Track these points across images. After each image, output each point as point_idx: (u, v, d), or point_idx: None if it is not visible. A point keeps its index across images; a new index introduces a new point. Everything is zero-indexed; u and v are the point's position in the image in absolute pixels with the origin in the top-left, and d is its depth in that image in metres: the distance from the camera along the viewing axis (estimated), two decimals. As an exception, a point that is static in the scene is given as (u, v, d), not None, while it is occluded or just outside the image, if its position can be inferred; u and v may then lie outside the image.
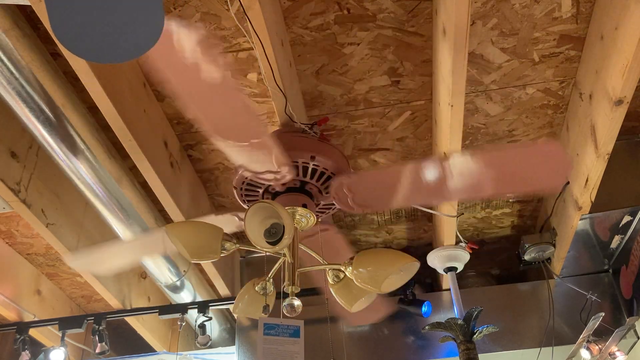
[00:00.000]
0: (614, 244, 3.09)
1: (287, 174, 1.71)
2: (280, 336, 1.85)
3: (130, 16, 0.95)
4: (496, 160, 1.61)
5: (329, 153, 1.83)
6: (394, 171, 1.74)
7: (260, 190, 1.84)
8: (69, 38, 0.95)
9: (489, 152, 1.62)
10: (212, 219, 1.77)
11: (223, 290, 3.25)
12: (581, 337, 2.86)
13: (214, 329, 3.75)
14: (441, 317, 3.13)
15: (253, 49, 2.04)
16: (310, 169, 1.79)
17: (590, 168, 2.46)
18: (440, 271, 3.17)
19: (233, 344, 3.56)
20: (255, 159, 1.61)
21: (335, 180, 1.77)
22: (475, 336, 2.70)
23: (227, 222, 1.81)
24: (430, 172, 1.65)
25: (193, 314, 3.30)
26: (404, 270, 1.63)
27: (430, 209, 3.00)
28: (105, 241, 3.09)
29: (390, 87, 2.45)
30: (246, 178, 1.79)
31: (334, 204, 1.89)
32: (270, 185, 1.79)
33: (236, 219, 1.80)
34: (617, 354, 2.84)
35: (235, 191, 1.89)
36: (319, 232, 1.85)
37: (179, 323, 3.28)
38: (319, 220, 1.87)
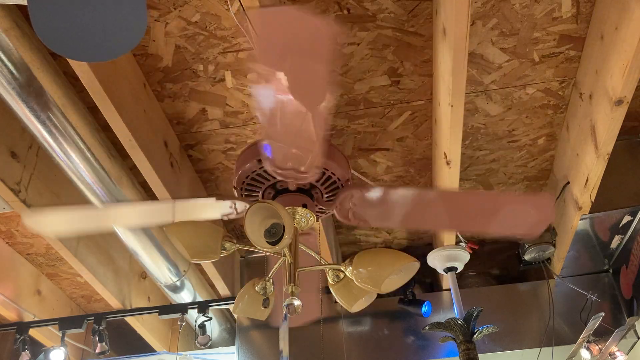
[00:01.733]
0: (614, 244, 3.09)
1: (310, 177, 1.72)
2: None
3: (113, 15, 0.95)
4: (487, 199, 1.78)
5: (332, 156, 1.83)
6: (402, 193, 1.78)
7: (261, 191, 1.84)
8: (52, 37, 0.95)
9: (482, 193, 1.87)
10: (211, 202, 1.75)
11: (223, 290, 3.26)
12: (581, 337, 2.86)
13: (214, 329, 3.75)
14: (441, 317, 3.13)
15: (253, 49, 2.04)
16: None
17: (590, 168, 2.46)
18: (440, 271, 3.17)
19: (233, 344, 3.56)
20: (286, 152, 1.60)
21: (345, 191, 1.79)
22: (475, 336, 2.70)
23: (223, 208, 1.79)
24: (435, 202, 1.77)
25: (193, 314, 3.30)
26: (404, 270, 1.63)
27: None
28: (105, 241, 3.10)
29: (390, 87, 2.45)
30: (252, 172, 1.78)
31: (334, 197, 1.88)
32: (278, 183, 1.79)
33: (230, 206, 1.78)
34: (617, 354, 2.84)
35: (235, 191, 1.89)
36: (350, 200, 1.86)
37: (179, 323, 3.28)
38: (319, 218, 1.87)
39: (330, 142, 1.96)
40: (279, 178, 1.69)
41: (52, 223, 1.86)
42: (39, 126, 2.08)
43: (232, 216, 1.75)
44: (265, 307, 1.67)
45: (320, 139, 1.50)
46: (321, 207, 1.83)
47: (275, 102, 1.34)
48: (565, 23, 2.22)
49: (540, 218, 1.75)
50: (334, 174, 1.78)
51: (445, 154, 2.41)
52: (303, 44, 1.23)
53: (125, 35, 0.97)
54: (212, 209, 1.72)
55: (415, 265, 1.62)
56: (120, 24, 0.95)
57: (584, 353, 2.90)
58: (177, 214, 1.69)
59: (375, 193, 1.79)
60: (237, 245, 1.68)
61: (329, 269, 1.77)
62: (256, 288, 1.75)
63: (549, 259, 3.22)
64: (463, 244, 3.03)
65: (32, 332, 3.28)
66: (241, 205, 1.74)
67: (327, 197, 1.85)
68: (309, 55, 1.25)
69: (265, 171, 1.77)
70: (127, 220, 1.89)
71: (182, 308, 3.25)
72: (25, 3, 1.58)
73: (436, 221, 1.84)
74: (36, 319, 3.30)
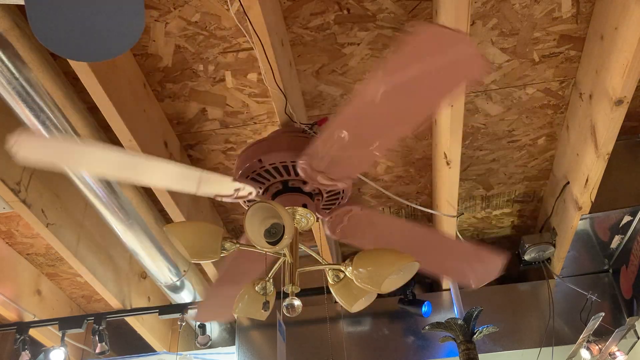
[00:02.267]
0: (614, 244, 3.09)
1: (339, 186, 1.74)
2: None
3: (111, 15, 0.95)
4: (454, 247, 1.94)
5: None
6: (397, 225, 1.88)
7: (261, 191, 1.84)
8: (49, 36, 0.95)
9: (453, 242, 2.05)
10: (227, 180, 1.74)
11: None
12: (581, 337, 2.86)
13: (214, 329, 3.75)
14: (441, 317, 3.13)
15: (253, 49, 2.04)
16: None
17: (590, 168, 2.46)
18: (440, 271, 3.17)
19: (233, 344, 3.56)
20: (332, 156, 1.59)
21: (344, 207, 1.79)
22: (475, 336, 2.70)
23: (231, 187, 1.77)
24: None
25: (193, 314, 3.30)
26: (404, 270, 1.63)
27: (430, 209, 3.01)
28: (105, 240, 3.10)
29: (390, 87, 2.44)
30: (252, 172, 1.78)
31: (337, 198, 1.88)
32: (278, 183, 1.80)
33: (237, 188, 1.75)
34: (617, 354, 2.84)
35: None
36: (346, 216, 1.86)
37: (179, 323, 3.28)
38: (318, 218, 1.87)
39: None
40: (303, 176, 1.69)
41: (67, 155, 1.50)
42: (39, 126, 2.08)
43: (229, 199, 1.74)
44: (265, 311, 1.67)
45: (370, 159, 1.52)
46: (317, 213, 1.84)
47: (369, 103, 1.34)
48: (565, 23, 2.22)
49: (485, 274, 1.96)
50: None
51: (445, 154, 2.41)
52: (444, 68, 1.23)
53: (124, 34, 0.97)
54: (227, 186, 1.70)
55: (415, 265, 1.62)
56: (119, 24, 0.95)
57: (584, 353, 2.90)
58: (202, 183, 1.65)
59: (372, 217, 1.81)
60: (237, 245, 1.68)
61: (329, 269, 1.77)
62: (256, 288, 1.75)
63: (549, 259, 3.22)
64: (463, 244, 3.02)
65: (32, 332, 3.28)
66: (245, 192, 1.73)
67: (325, 205, 1.86)
68: (436, 83, 1.25)
69: (266, 171, 1.78)
70: (153, 176, 1.68)
71: (182, 308, 3.25)
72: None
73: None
74: (36, 319, 3.30)
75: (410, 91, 1.29)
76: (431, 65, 1.21)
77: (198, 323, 3.23)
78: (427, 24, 1.22)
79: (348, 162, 1.64)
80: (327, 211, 1.85)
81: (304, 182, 1.75)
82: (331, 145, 1.52)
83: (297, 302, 1.57)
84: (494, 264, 1.93)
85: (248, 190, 1.74)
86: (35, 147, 1.40)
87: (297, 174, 1.77)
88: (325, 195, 1.82)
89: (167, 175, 1.65)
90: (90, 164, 1.57)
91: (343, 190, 1.82)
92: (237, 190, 1.72)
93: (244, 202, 1.90)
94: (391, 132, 1.45)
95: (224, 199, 1.75)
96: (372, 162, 1.43)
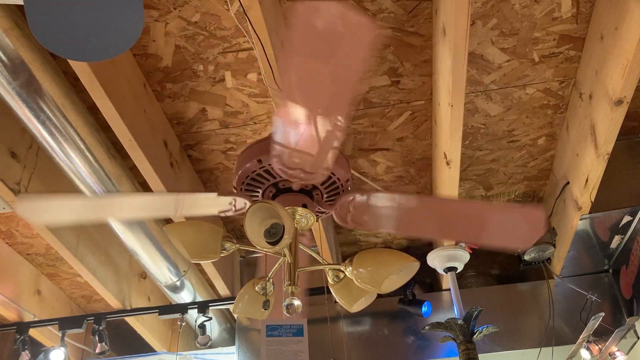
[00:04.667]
0: (614, 244, 3.09)
1: (317, 179, 1.72)
2: (284, 336, 1.85)
3: (110, 14, 0.95)
4: (481, 209, 1.77)
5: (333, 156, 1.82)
6: (404, 200, 1.77)
7: (261, 191, 1.84)
8: (48, 36, 0.95)
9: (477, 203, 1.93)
10: (212, 197, 1.75)
11: (223, 290, 3.25)
12: (581, 337, 2.86)
13: (214, 329, 3.75)
14: (441, 317, 3.13)
15: (253, 49, 2.04)
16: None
17: (590, 168, 2.46)
18: (440, 271, 3.17)
19: (233, 344, 3.56)
20: (296, 151, 1.58)
21: (346, 196, 1.78)
22: (475, 336, 2.70)
23: (222, 204, 1.78)
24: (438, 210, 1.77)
25: (193, 314, 3.30)
26: (404, 270, 1.63)
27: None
28: (105, 241, 3.10)
29: (390, 87, 2.45)
30: (252, 172, 1.78)
31: (336, 197, 1.88)
32: (279, 183, 1.79)
33: (230, 202, 1.76)
34: (617, 354, 2.83)
35: (235, 191, 1.89)
36: (350, 204, 1.85)
37: (179, 323, 3.28)
38: (319, 218, 1.87)
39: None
40: (284, 176, 1.69)
41: (46, 211, 1.72)
42: (39, 126, 2.08)
43: (229, 214, 1.74)
44: (265, 310, 1.67)
45: (335, 142, 1.50)
46: (321, 208, 1.84)
47: (297, 98, 1.33)
48: (565, 23, 2.22)
49: (531, 231, 1.73)
50: (333, 174, 1.78)
51: (445, 154, 2.41)
52: (342, 42, 1.21)
53: (123, 34, 0.97)
54: (212, 204, 1.71)
55: (415, 265, 1.62)
56: (117, 23, 0.95)
57: (584, 353, 2.90)
58: (179, 207, 1.67)
59: (374, 198, 1.79)
60: (237, 245, 1.68)
61: (329, 269, 1.77)
62: (256, 288, 1.75)
63: (549, 259, 3.22)
64: (463, 244, 3.03)
65: (32, 332, 3.28)
66: (240, 203, 1.74)
67: (327, 198, 1.85)
68: (345, 54, 1.23)
69: (266, 171, 1.78)
70: (127, 212, 1.80)
71: (182, 308, 3.25)
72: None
73: (432, 229, 1.85)
74: (36, 319, 3.30)
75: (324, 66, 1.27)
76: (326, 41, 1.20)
77: (198, 323, 3.23)
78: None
79: (379, 222, 1.69)
80: (331, 205, 1.84)
81: (321, 194, 1.77)
82: (287, 140, 1.52)
83: (297, 302, 1.57)
84: (536, 218, 1.70)
85: (241, 201, 1.74)
86: (34, 210, 1.63)
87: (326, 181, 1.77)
88: (323, 190, 1.82)
89: (141, 207, 1.71)
90: (72, 214, 1.72)
91: (340, 182, 1.81)
92: (231, 203, 1.73)
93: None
94: (335, 100, 1.42)
95: (226, 214, 1.75)
96: (337, 139, 1.40)
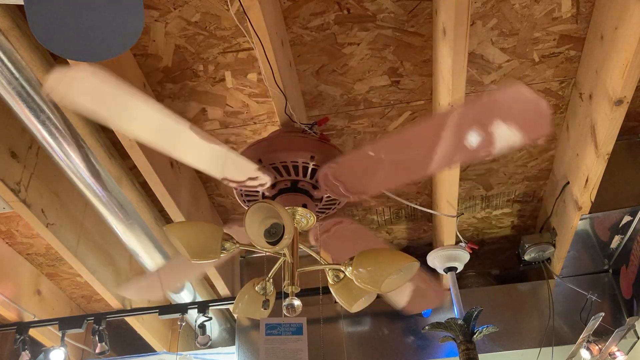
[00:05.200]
0: (614, 244, 3.09)
1: (267, 179, 1.72)
2: (283, 335, 1.85)
3: (110, 14, 0.95)
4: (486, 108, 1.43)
5: (329, 153, 1.83)
6: (377, 147, 1.60)
7: (261, 191, 1.84)
8: (48, 36, 0.95)
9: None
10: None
11: (223, 290, 3.25)
12: (581, 337, 2.86)
13: (214, 329, 3.75)
14: (441, 317, 3.13)
15: (253, 49, 2.04)
16: (310, 169, 1.80)
17: (590, 168, 2.46)
18: (440, 271, 3.17)
19: (233, 344, 3.56)
20: (234, 168, 1.58)
21: (320, 171, 1.76)
22: (475, 336, 2.70)
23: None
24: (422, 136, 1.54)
25: (193, 314, 3.30)
26: (404, 270, 1.63)
27: (430, 209, 3.00)
28: (105, 241, 3.10)
29: (390, 87, 2.45)
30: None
31: (334, 204, 1.89)
32: (279, 183, 1.80)
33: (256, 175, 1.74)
34: (617, 354, 2.83)
35: (235, 191, 1.89)
36: (334, 226, 1.85)
37: (179, 323, 3.28)
38: (321, 217, 1.87)
39: (330, 142, 1.97)
40: (322, 183, 1.70)
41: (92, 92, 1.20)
42: (39, 126, 2.08)
43: (235, 185, 1.72)
44: (265, 309, 1.67)
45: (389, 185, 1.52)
46: (324, 203, 1.84)
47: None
48: (565, 23, 2.22)
49: (534, 123, 1.38)
50: (318, 166, 1.78)
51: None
52: (513, 120, 1.22)
53: (123, 34, 0.97)
54: (251, 171, 1.70)
55: (415, 265, 1.62)
56: (117, 23, 0.95)
57: (584, 353, 2.90)
58: (226, 166, 1.61)
59: (352, 159, 1.74)
60: (237, 245, 1.68)
61: (329, 269, 1.77)
62: (256, 288, 1.75)
63: (549, 259, 3.22)
64: (463, 244, 3.02)
65: (32, 332, 3.28)
66: (261, 180, 1.73)
67: (321, 207, 1.86)
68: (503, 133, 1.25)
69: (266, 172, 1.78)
70: (187, 151, 1.54)
71: (182, 308, 3.25)
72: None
73: (430, 161, 1.56)
74: (36, 319, 3.30)
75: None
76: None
77: (198, 323, 3.23)
78: (514, 84, 1.19)
79: (370, 179, 1.66)
80: (319, 217, 1.85)
81: (314, 187, 1.76)
82: (361, 162, 1.53)
83: (297, 302, 1.57)
84: (540, 109, 1.36)
85: (264, 179, 1.73)
86: (75, 85, 1.18)
87: (297, 174, 1.77)
88: (323, 201, 1.82)
89: (200, 153, 1.54)
90: (132, 120, 1.40)
91: (340, 201, 1.82)
92: (252, 178, 1.71)
93: (244, 202, 1.90)
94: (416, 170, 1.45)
95: (232, 184, 1.74)
96: (389, 187, 1.44)
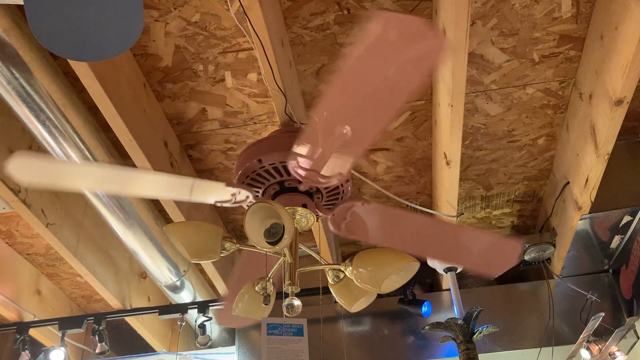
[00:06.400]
0: (614, 244, 3.09)
1: (332, 183, 1.71)
2: (284, 335, 1.85)
3: (110, 14, 0.95)
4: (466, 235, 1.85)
5: None
6: (401, 216, 1.83)
7: (261, 190, 1.84)
8: (48, 36, 0.95)
9: (466, 229, 1.97)
10: (221, 186, 1.74)
11: (223, 290, 3.26)
12: (581, 337, 2.86)
13: (214, 329, 3.75)
14: (441, 317, 3.13)
15: (253, 49, 2.04)
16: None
17: (590, 168, 2.46)
18: (440, 271, 3.17)
19: (233, 344, 3.56)
20: (319, 154, 1.56)
21: (345, 204, 1.78)
22: (475, 336, 2.70)
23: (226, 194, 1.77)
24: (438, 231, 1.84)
25: (193, 314, 3.30)
26: (404, 270, 1.63)
27: (430, 209, 3.00)
28: (105, 241, 3.10)
29: (390, 87, 2.44)
30: (252, 172, 1.78)
31: (334, 204, 1.89)
32: (279, 183, 1.79)
33: (233, 193, 1.75)
34: (617, 354, 2.84)
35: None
36: (348, 212, 1.85)
37: (179, 323, 3.28)
38: (318, 218, 1.87)
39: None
40: (297, 177, 1.67)
41: (43, 172, 1.50)
42: (39, 126, 2.08)
43: (227, 204, 1.74)
44: (266, 304, 1.67)
45: (361, 150, 1.50)
46: (318, 212, 1.84)
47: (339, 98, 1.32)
48: (565, 23, 2.22)
49: (505, 260, 1.84)
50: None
51: (445, 154, 2.41)
52: (409, 54, 1.21)
53: (123, 34, 0.97)
54: (222, 192, 1.71)
55: (415, 265, 1.62)
56: (118, 23, 0.95)
57: (584, 353, 2.90)
58: (195, 191, 1.65)
59: (369, 209, 1.80)
60: (237, 245, 1.68)
61: (329, 269, 1.77)
62: (256, 288, 1.75)
63: (549, 259, 3.22)
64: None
65: (32, 332, 3.28)
66: (241, 196, 1.73)
67: (326, 200, 1.85)
68: (407, 68, 1.23)
69: (266, 171, 1.78)
70: (143, 188, 1.66)
71: (182, 308, 3.25)
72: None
73: (421, 248, 1.89)
74: (36, 319, 3.30)
75: (379, 81, 1.27)
76: (394, 55, 1.20)
77: (198, 323, 3.23)
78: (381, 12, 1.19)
79: (337, 158, 1.63)
80: (329, 209, 1.85)
81: (299, 182, 1.75)
82: (317, 142, 1.51)
83: (296, 302, 1.57)
84: (512, 249, 1.84)
85: (244, 194, 1.73)
86: (30, 170, 1.48)
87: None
88: (324, 193, 1.82)
89: (158, 186, 1.67)
90: (81, 181, 1.64)
91: (342, 187, 1.82)
92: (233, 195, 1.72)
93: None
94: (371, 124, 1.41)
95: (224, 205, 1.75)
96: (360, 156, 1.40)
